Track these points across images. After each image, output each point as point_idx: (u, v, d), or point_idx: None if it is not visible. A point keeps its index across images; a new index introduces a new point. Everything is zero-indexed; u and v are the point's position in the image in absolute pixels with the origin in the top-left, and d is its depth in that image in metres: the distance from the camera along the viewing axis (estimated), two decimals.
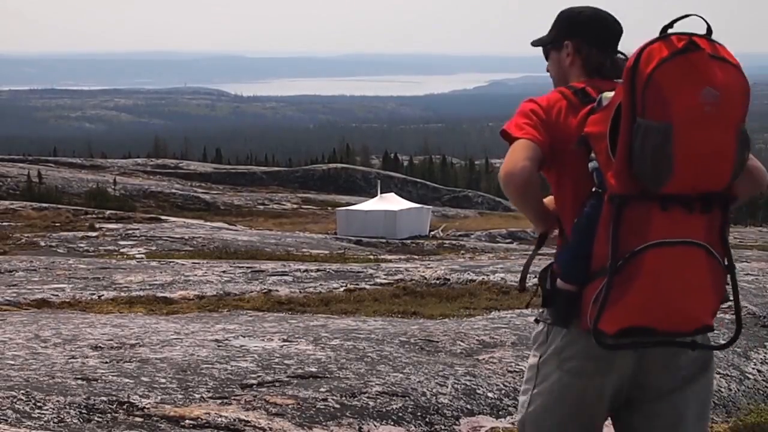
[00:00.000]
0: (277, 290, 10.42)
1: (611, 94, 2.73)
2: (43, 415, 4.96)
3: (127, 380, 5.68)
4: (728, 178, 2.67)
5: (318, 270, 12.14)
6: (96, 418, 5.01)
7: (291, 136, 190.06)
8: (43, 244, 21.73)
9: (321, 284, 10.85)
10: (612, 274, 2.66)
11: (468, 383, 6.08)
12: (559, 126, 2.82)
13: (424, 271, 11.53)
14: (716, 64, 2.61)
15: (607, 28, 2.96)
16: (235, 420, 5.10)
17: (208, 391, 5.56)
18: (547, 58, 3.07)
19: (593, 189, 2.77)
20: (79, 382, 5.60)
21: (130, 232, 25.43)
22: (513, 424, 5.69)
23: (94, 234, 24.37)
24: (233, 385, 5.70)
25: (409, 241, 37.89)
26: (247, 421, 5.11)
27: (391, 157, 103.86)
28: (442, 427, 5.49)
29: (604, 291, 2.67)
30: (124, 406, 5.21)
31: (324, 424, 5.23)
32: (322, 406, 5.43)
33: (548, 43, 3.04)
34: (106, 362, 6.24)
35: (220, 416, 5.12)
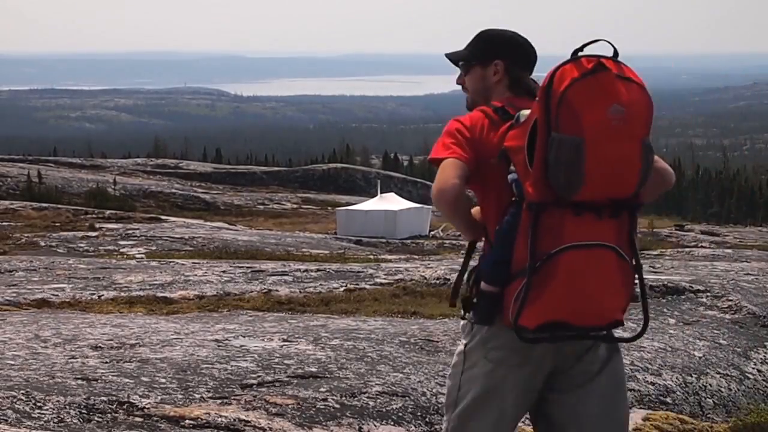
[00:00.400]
0: (277, 290, 10.42)
1: (528, 111, 2.98)
2: (43, 415, 4.96)
3: (127, 380, 5.68)
4: (635, 187, 2.92)
5: (318, 270, 12.14)
6: (96, 418, 5.01)
7: (291, 136, 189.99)
8: (43, 244, 21.73)
9: (321, 284, 10.85)
10: (531, 274, 2.90)
11: None
12: (482, 142, 3.08)
13: (424, 271, 11.52)
14: (622, 83, 2.86)
15: (531, 53, 3.26)
16: (235, 420, 5.10)
17: (208, 391, 5.56)
18: (464, 71, 3.32)
19: (513, 198, 3.01)
20: (79, 382, 5.60)
21: (130, 232, 25.44)
22: None
23: (94, 234, 24.37)
24: (233, 385, 5.70)
25: (409, 241, 37.87)
26: (247, 421, 5.11)
27: (391, 157, 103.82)
28: (442, 427, 5.49)
29: (524, 290, 2.91)
30: (124, 406, 5.20)
31: (324, 424, 5.22)
32: (322, 406, 5.43)
33: (473, 59, 3.27)
34: (106, 362, 6.24)
35: (220, 416, 5.12)
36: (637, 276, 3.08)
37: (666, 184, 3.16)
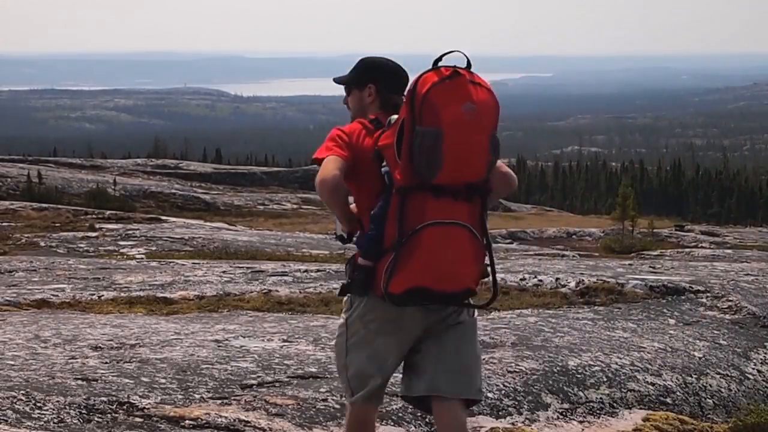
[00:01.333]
0: (277, 290, 10.42)
1: (396, 117, 3.61)
2: (43, 416, 4.96)
3: (127, 380, 5.68)
4: (484, 171, 3.54)
5: (318, 270, 12.14)
6: (96, 419, 5.02)
7: (291, 137, 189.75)
8: (43, 244, 21.72)
9: (321, 284, 10.84)
10: (398, 248, 3.48)
11: None
12: (359, 145, 3.69)
13: None
14: (473, 86, 3.50)
15: (401, 77, 3.84)
16: (235, 420, 5.10)
17: (208, 392, 5.57)
18: (347, 93, 3.93)
19: (384, 186, 3.60)
20: (79, 382, 5.60)
21: (130, 232, 25.42)
22: (513, 424, 5.70)
23: (94, 234, 24.35)
24: (233, 386, 5.70)
25: None
26: (247, 422, 5.11)
27: None
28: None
29: (393, 262, 3.48)
30: (124, 407, 5.21)
31: (324, 424, 5.23)
32: (322, 407, 5.43)
33: (352, 84, 3.90)
34: (106, 362, 6.24)
35: (220, 416, 5.12)
36: (487, 252, 3.64)
37: (510, 185, 3.77)
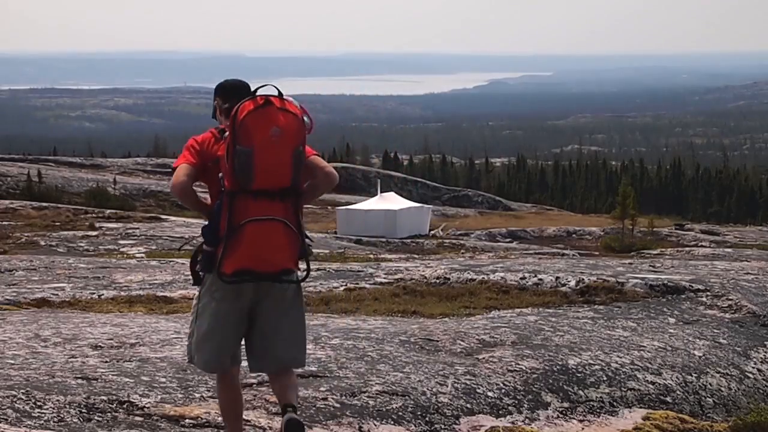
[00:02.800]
0: None
1: (226, 133, 4.51)
2: (43, 415, 4.96)
3: (127, 379, 5.69)
4: (289, 180, 4.47)
5: (318, 269, 12.13)
6: (96, 418, 5.02)
7: None
8: (43, 243, 21.73)
9: (321, 283, 10.84)
10: (227, 238, 4.41)
11: (468, 382, 6.08)
12: (208, 152, 4.60)
13: (424, 271, 11.52)
14: (281, 113, 4.45)
15: (240, 93, 4.59)
16: None
17: (208, 391, 5.57)
18: (214, 112, 4.79)
19: (222, 189, 4.50)
20: (79, 381, 5.60)
21: (130, 231, 25.43)
22: (513, 423, 5.70)
23: (94, 233, 24.37)
24: None
25: (409, 241, 37.91)
26: (248, 420, 5.11)
27: (391, 156, 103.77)
28: (442, 426, 5.49)
29: (224, 249, 4.42)
30: (124, 406, 5.21)
31: (324, 423, 5.23)
32: (322, 405, 5.43)
33: (214, 100, 4.80)
34: (106, 361, 6.24)
35: (220, 415, 5.12)
36: (301, 240, 4.54)
37: (331, 183, 4.68)
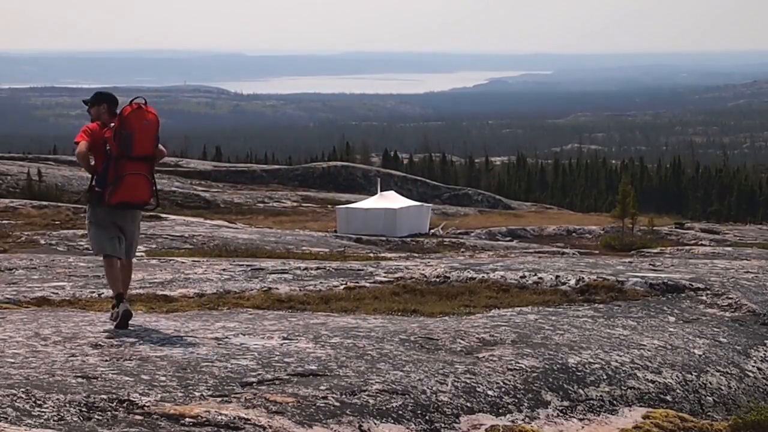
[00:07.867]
0: (277, 288, 10.42)
1: (113, 124, 7.48)
2: (43, 414, 4.96)
3: (127, 378, 5.69)
4: (151, 150, 7.54)
5: (318, 268, 12.14)
6: (96, 416, 5.02)
7: (291, 134, 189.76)
8: (43, 242, 21.73)
9: (321, 282, 10.85)
10: (114, 184, 7.39)
11: (468, 381, 6.08)
12: (96, 135, 7.53)
13: (424, 269, 11.52)
14: (148, 113, 7.52)
15: (117, 102, 7.71)
16: (235, 418, 5.10)
17: (208, 389, 5.57)
18: (89, 108, 7.80)
19: (108, 156, 7.46)
20: (79, 380, 5.60)
21: None
22: (513, 422, 5.70)
23: None
24: (233, 383, 5.70)
25: (409, 239, 37.86)
26: (247, 419, 5.11)
27: (391, 155, 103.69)
28: (442, 425, 5.49)
29: (111, 190, 7.40)
30: (124, 404, 5.21)
31: (324, 422, 5.23)
32: (322, 404, 5.43)
33: (94, 103, 7.78)
34: (106, 360, 6.24)
35: (220, 414, 5.13)
36: (154, 186, 7.69)
37: (162, 155, 7.73)
